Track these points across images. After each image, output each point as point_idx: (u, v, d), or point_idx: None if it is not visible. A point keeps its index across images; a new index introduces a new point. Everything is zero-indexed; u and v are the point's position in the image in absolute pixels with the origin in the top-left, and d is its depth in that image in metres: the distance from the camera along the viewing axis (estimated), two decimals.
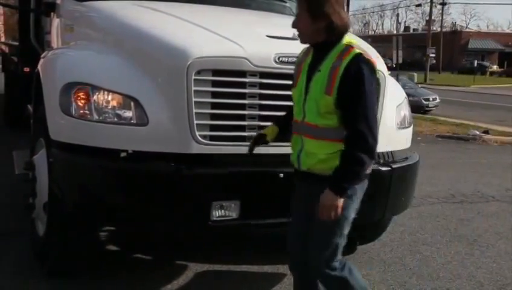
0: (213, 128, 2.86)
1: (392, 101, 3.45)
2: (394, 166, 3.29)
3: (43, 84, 3.24)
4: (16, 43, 8.46)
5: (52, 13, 4.26)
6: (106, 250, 3.88)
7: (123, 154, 2.83)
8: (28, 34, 5.11)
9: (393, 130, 3.43)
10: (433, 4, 47.73)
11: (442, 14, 57.57)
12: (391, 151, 3.43)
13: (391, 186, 3.26)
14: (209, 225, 2.84)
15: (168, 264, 3.76)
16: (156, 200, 2.81)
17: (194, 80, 2.78)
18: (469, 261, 4.14)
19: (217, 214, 2.84)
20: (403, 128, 3.57)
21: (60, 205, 3.03)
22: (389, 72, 3.47)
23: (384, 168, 3.23)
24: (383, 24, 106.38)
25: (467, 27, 79.42)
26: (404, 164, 3.43)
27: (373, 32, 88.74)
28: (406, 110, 3.66)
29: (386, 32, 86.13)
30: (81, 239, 3.25)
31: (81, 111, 2.87)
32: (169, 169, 2.76)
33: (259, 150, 2.93)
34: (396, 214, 3.79)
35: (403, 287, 3.60)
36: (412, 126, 3.73)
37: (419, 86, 23.81)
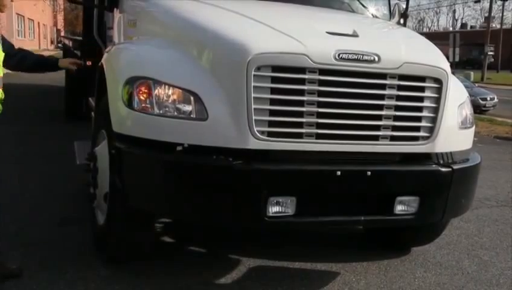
0: (271, 124, 2.85)
1: (454, 100, 3.35)
2: (455, 167, 3.20)
3: (107, 77, 3.33)
4: (79, 38, 8.82)
5: (115, 9, 4.39)
6: (162, 241, 3.97)
7: (179, 148, 2.87)
8: (91, 29, 5.29)
9: (454, 130, 3.33)
10: (493, 0, 45.78)
11: (502, 10, 55.24)
12: (451, 152, 3.33)
13: (451, 188, 3.18)
14: (266, 221, 2.85)
15: (222, 257, 3.80)
16: (214, 194, 2.85)
17: (254, 75, 2.78)
18: None
19: (273, 210, 2.85)
20: (465, 128, 3.46)
21: (120, 196, 3.12)
22: None
23: (444, 169, 3.16)
24: (438, 21, 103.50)
25: None
26: (465, 165, 3.33)
27: (427, 30, 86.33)
28: (468, 110, 3.54)
29: (441, 30, 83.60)
30: (139, 229, 3.34)
31: (143, 104, 2.93)
32: (227, 164, 2.78)
33: (316, 147, 2.93)
34: (455, 216, 3.70)
35: None
36: (473, 126, 3.60)
37: (476, 85, 23.01)
